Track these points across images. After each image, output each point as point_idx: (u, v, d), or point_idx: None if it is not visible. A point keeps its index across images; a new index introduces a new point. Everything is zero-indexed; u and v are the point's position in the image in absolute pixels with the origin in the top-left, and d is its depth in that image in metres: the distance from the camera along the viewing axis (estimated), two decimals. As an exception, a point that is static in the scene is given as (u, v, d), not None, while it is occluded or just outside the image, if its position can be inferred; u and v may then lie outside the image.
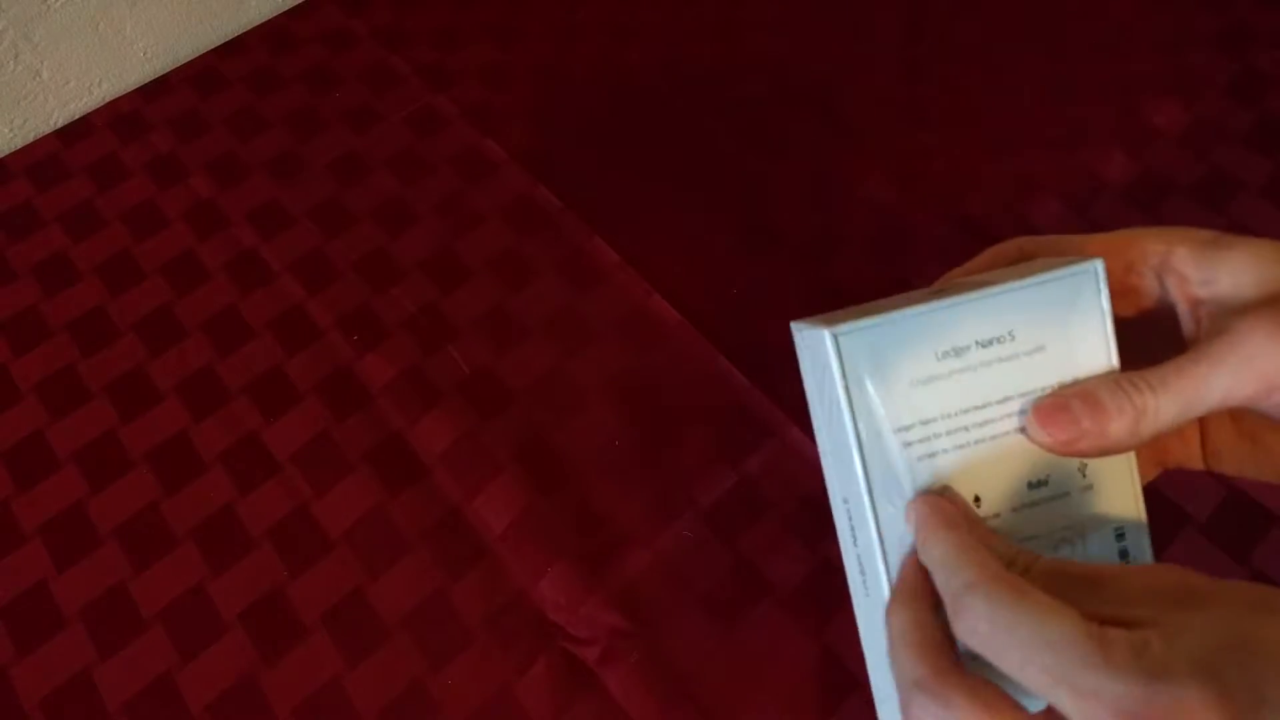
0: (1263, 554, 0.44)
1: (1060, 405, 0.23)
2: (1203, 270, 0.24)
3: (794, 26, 0.68)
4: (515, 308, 0.54)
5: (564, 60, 0.67)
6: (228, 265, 0.56)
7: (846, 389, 0.23)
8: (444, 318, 0.54)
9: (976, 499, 0.24)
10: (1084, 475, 0.25)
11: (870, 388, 0.23)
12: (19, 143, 0.63)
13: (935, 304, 0.24)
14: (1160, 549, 0.45)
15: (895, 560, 0.24)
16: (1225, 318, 0.23)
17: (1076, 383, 0.24)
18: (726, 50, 0.66)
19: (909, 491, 0.24)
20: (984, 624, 0.20)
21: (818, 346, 0.24)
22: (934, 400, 0.24)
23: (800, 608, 0.43)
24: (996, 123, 0.61)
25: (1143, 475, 0.25)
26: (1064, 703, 0.18)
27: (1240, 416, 0.26)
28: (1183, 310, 0.25)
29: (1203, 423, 0.27)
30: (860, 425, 0.24)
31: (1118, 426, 0.23)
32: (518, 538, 0.46)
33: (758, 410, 0.49)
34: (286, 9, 0.71)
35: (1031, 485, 0.24)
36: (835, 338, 0.23)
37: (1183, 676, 0.17)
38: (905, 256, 0.54)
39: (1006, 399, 0.24)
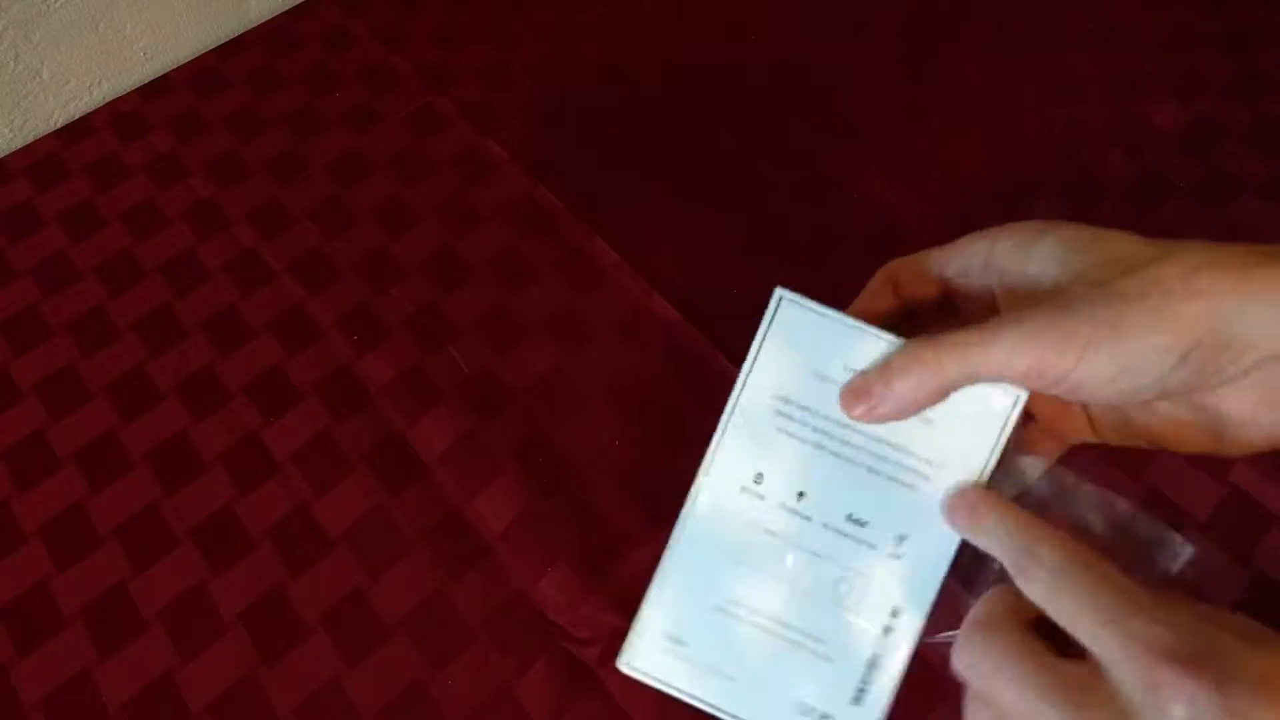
0: (1263, 554, 0.44)
1: (859, 382, 0.26)
2: (1018, 261, 0.25)
3: (794, 26, 0.68)
4: (515, 308, 0.54)
5: (564, 60, 0.67)
6: (228, 265, 0.56)
7: (763, 340, 0.28)
8: (444, 318, 0.54)
9: (800, 494, 0.27)
10: (899, 546, 0.26)
11: (780, 350, 0.27)
12: (19, 143, 0.64)
13: (877, 332, 0.26)
14: (1160, 549, 0.44)
15: (720, 483, 0.29)
16: (1023, 300, 0.25)
17: (941, 469, 0.26)
18: (726, 50, 0.66)
19: (757, 441, 0.27)
20: (1045, 573, 0.22)
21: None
22: (820, 396, 0.27)
23: (800, 608, 0.43)
24: (996, 123, 0.61)
25: (1047, 450, 0.28)
26: (1110, 643, 0.20)
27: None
28: (1001, 302, 0.26)
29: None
30: (754, 372, 0.28)
31: (903, 385, 0.25)
32: (518, 538, 0.46)
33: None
34: (286, 9, 0.71)
35: (850, 518, 0.27)
36: (780, 298, 0.27)
37: (1217, 629, 0.19)
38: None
39: (878, 438, 0.26)
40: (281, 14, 0.71)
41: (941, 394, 0.25)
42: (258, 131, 0.63)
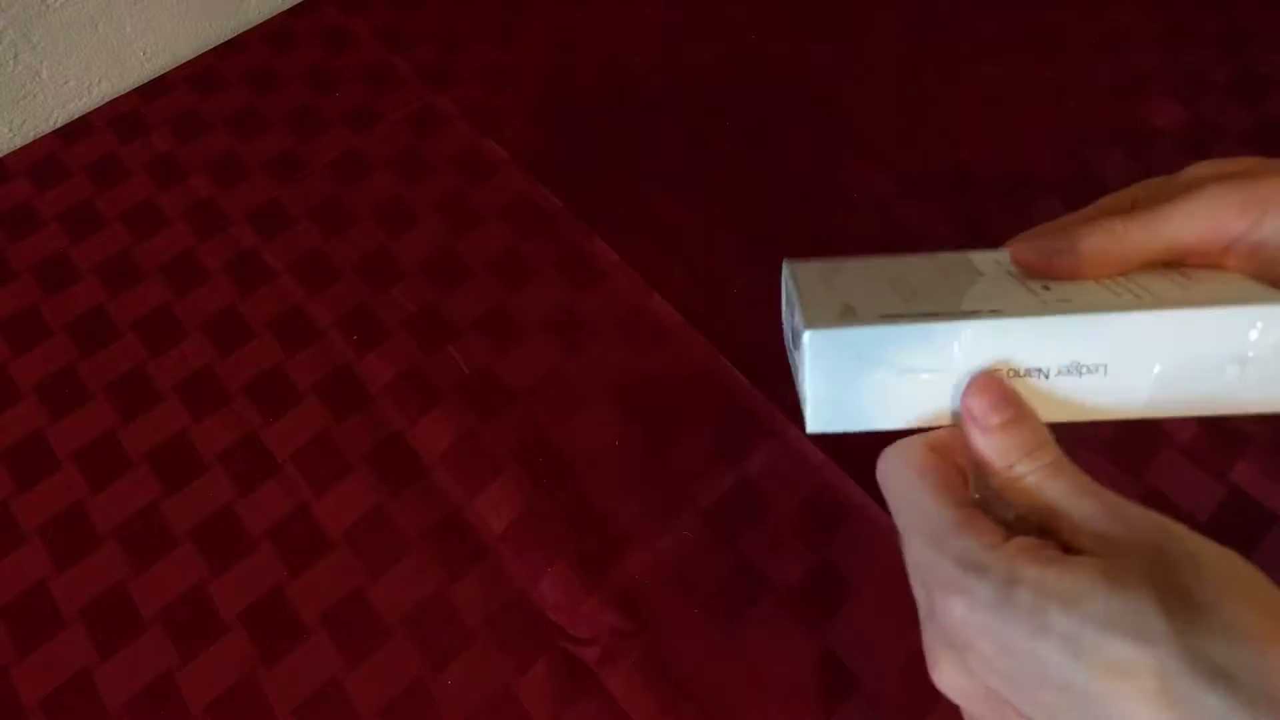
0: (1263, 554, 0.44)
1: (1036, 233, 0.26)
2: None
3: (794, 26, 0.68)
4: (515, 308, 0.54)
5: (564, 60, 0.67)
6: (228, 265, 0.56)
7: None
8: (444, 318, 0.53)
9: None
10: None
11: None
12: (19, 142, 0.63)
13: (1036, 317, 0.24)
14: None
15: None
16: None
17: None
18: (726, 50, 0.66)
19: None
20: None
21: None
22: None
23: (800, 608, 0.43)
24: (997, 122, 0.61)
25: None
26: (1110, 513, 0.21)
27: None
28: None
29: None
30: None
31: (1089, 243, 0.25)
32: (518, 538, 0.46)
33: (758, 410, 0.49)
34: (286, 9, 0.71)
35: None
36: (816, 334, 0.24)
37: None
38: (905, 256, 0.54)
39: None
40: (281, 13, 0.71)
41: (1123, 263, 0.25)
42: (257, 131, 0.63)
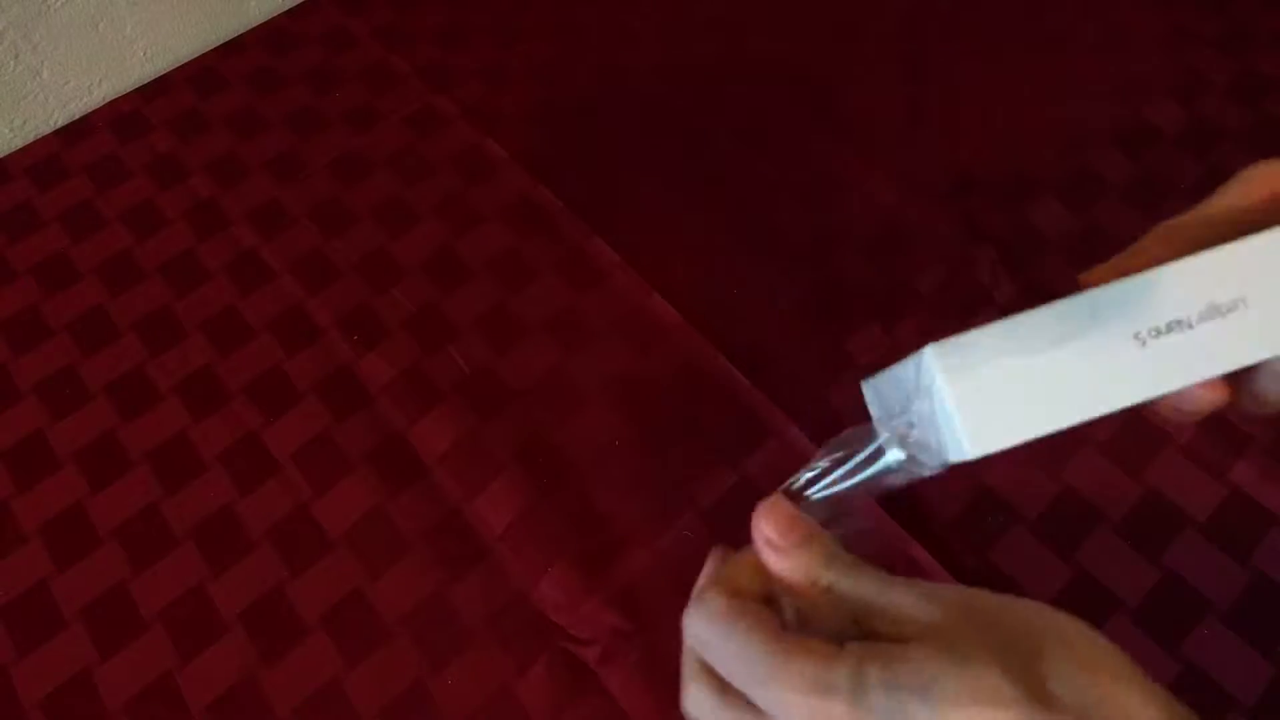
0: (1263, 554, 0.44)
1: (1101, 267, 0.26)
2: None
3: (793, 26, 0.68)
4: (515, 308, 0.54)
5: (564, 60, 0.67)
6: (228, 265, 0.56)
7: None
8: (444, 318, 0.54)
9: None
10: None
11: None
12: (19, 143, 0.63)
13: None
14: (1159, 550, 0.45)
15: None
16: None
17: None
18: (726, 50, 0.66)
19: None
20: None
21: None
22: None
23: (800, 608, 0.43)
24: (996, 123, 0.61)
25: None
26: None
27: None
28: None
29: None
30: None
31: (1153, 236, 0.25)
32: (518, 538, 0.46)
33: (758, 410, 0.49)
34: (286, 9, 0.71)
35: None
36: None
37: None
38: (905, 256, 0.54)
39: None
40: (281, 14, 0.71)
41: (1193, 245, 0.24)
42: (258, 131, 0.63)
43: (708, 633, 0.24)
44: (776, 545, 0.25)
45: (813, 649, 0.22)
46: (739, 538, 0.43)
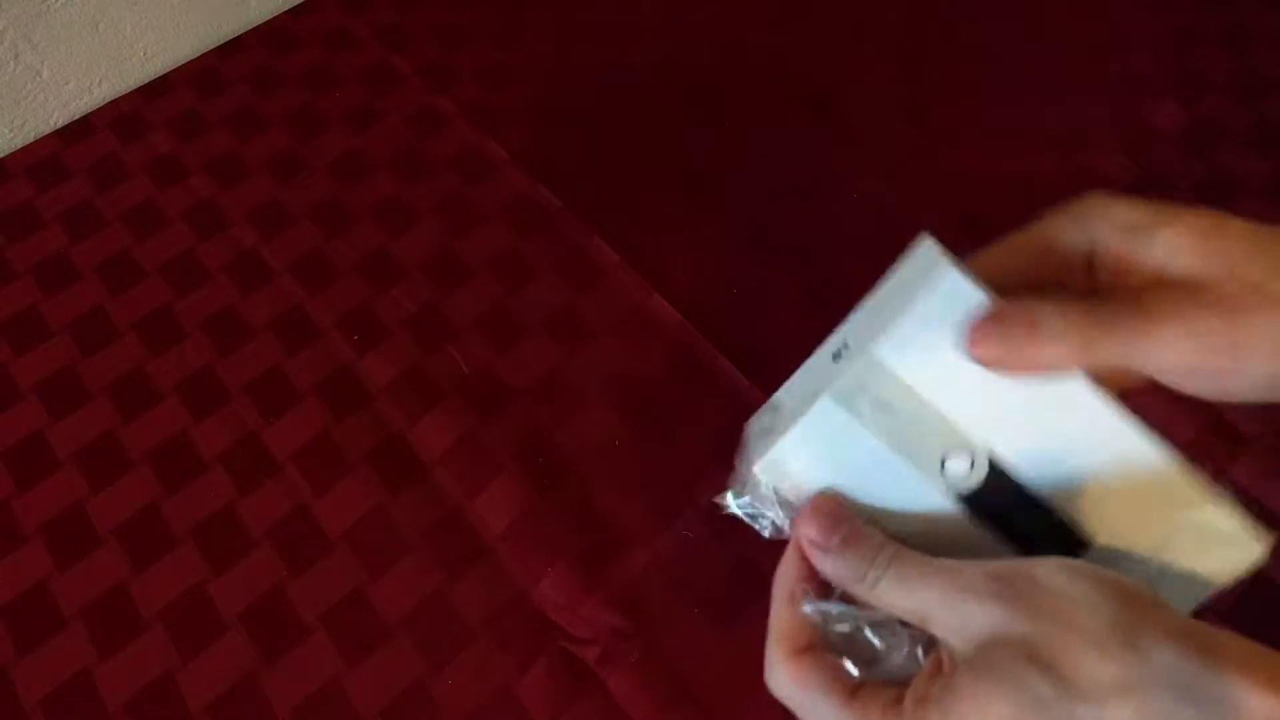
0: (1263, 554, 0.44)
1: (995, 321, 0.24)
2: (1135, 248, 0.24)
3: (794, 26, 0.68)
4: (515, 308, 0.54)
5: (564, 60, 0.67)
6: (228, 265, 0.56)
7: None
8: (444, 318, 0.54)
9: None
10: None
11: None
12: (19, 143, 0.63)
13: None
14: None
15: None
16: (1156, 290, 0.24)
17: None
18: (726, 50, 0.66)
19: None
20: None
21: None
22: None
23: (800, 608, 0.43)
24: (996, 123, 0.61)
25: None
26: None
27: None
28: (1111, 282, 0.25)
29: None
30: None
31: (1053, 353, 0.23)
32: (518, 538, 0.46)
33: (758, 410, 0.49)
34: (286, 9, 0.71)
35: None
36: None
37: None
38: (905, 256, 0.54)
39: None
40: (281, 14, 0.71)
41: (1079, 365, 0.24)
42: (258, 131, 0.63)
43: (791, 700, 0.25)
44: (822, 546, 0.25)
45: (868, 703, 0.23)
46: (739, 537, 0.43)
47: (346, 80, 0.66)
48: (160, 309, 0.55)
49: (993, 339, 0.24)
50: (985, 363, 0.24)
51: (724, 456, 0.47)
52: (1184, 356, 0.23)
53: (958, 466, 0.25)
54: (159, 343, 0.53)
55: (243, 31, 0.69)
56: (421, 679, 0.42)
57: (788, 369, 0.27)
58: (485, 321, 0.53)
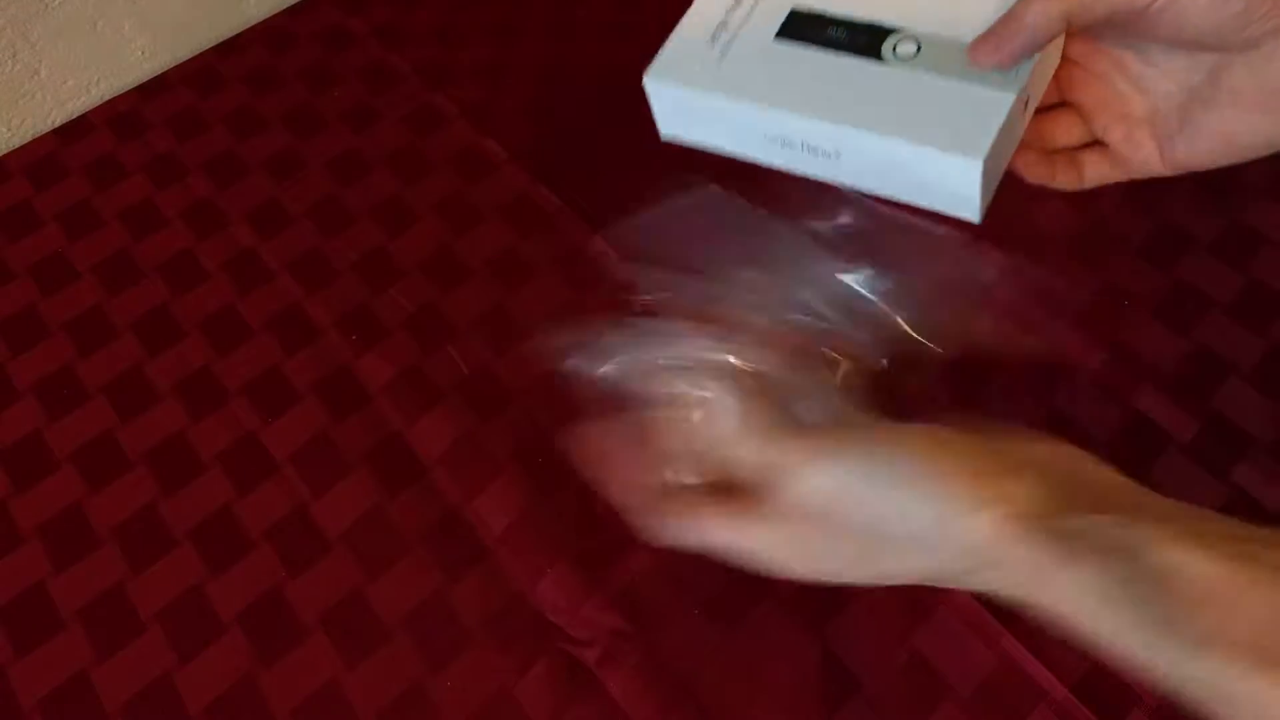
0: (1263, 554, 0.44)
1: (986, 34, 0.29)
2: None
3: (794, 26, 0.67)
4: (515, 307, 0.54)
5: (564, 60, 0.67)
6: (226, 265, 0.56)
7: None
8: (444, 318, 0.53)
9: None
10: None
11: None
12: (17, 142, 0.63)
13: None
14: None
15: None
16: None
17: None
18: (726, 50, 0.66)
19: None
20: None
21: None
22: None
23: (800, 608, 0.43)
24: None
25: (1108, 176, 0.33)
26: None
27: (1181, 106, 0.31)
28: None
29: (1151, 125, 0.32)
30: None
31: (1033, 13, 0.28)
32: (517, 538, 0.46)
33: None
34: (285, 8, 0.71)
35: None
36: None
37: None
38: (905, 256, 0.54)
39: None
40: (280, 13, 0.70)
41: (1062, 23, 0.28)
42: (256, 131, 0.63)
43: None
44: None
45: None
46: (739, 538, 0.42)
47: (345, 79, 0.66)
48: (158, 308, 0.55)
49: (989, 44, 0.30)
50: (1001, 64, 0.30)
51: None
52: None
53: None
54: (157, 342, 0.53)
55: (241, 30, 0.69)
56: (420, 680, 0.42)
57: (789, 369, 0.27)
58: (485, 321, 0.53)
